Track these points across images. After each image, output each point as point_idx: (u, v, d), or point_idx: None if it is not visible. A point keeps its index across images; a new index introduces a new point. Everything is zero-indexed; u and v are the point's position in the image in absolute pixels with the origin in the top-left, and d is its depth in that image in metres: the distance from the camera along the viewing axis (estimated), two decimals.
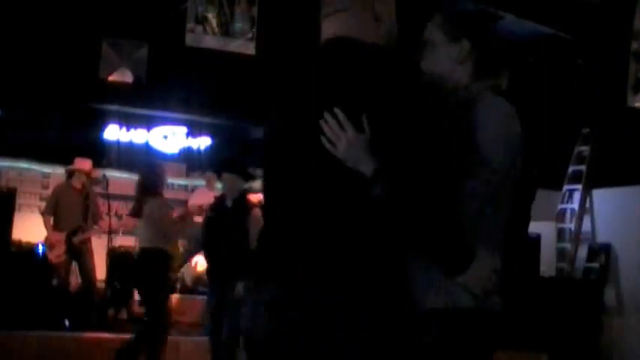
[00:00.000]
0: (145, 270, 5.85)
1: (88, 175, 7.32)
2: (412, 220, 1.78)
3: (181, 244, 9.15)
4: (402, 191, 1.76)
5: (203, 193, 9.82)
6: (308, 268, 1.90)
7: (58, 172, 9.29)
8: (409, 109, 1.81)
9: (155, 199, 5.75)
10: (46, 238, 7.17)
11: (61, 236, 7.09)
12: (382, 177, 1.77)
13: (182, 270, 8.98)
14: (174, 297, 8.39)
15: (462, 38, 2.02)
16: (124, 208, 10.35)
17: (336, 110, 1.81)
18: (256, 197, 7.60)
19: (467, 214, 1.83)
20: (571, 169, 9.22)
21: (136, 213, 5.82)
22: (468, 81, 2.03)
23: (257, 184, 7.97)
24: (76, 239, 7.11)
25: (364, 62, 1.87)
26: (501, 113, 1.95)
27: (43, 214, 7.36)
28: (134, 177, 10.64)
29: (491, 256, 1.94)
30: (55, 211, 7.21)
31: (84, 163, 7.35)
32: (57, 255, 7.05)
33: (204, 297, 8.68)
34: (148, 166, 6.04)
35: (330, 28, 2.00)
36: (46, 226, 7.17)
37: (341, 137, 1.79)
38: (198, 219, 9.61)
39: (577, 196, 9.04)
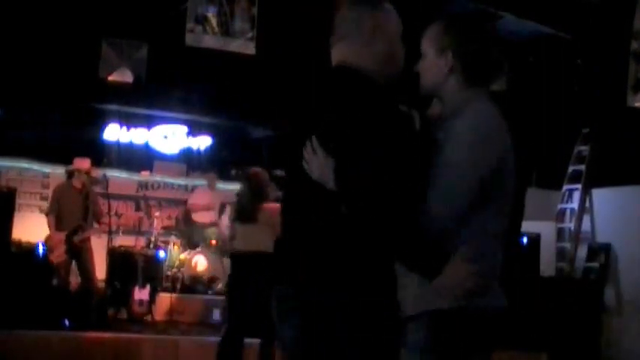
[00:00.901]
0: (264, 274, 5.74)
1: (87, 173, 7.32)
2: (377, 230, 1.93)
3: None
4: (362, 209, 1.92)
5: (204, 192, 9.82)
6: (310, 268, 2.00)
7: (58, 172, 9.29)
8: (380, 134, 1.93)
9: (267, 205, 5.69)
10: (48, 238, 7.16)
11: (61, 236, 7.09)
12: (344, 196, 1.93)
13: (182, 269, 8.99)
14: (175, 297, 8.40)
15: (447, 50, 2.12)
16: (124, 208, 10.37)
17: (312, 137, 2.01)
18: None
19: (435, 224, 1.97)
20: (571, 168, 9.22)
21: (247, 219, 5.73)
22: (459, 89, 2.13)
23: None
24: (77, 238, 7.11)
25: (348, 91, 2.04)
26: (475, 127, 2.04)
27: (47, 214, 7.34)
28: (134, 177, 10.70)
29: (471, 261, 2.02)
30: (56, 211, 7.21)
31: (83, 163, 7.35)
32: (57, 255, 7.05)
33: (204, 296, 8.72)
34: (256, 173, 6.00)
35: (334, 55, 2.19)
36: (49, 226, 7.17)
37: (313, 160, 1.99)
38: (199, 218, 9.63)
39: (577, 195, 9.04)
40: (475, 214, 2.02)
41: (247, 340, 5.67)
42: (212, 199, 9.47)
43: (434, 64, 2.14)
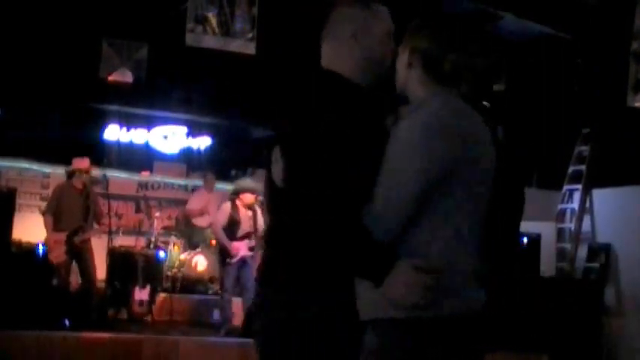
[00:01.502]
0: None
1: (87, 172, 7.32)
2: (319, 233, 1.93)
3: None
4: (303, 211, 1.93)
5: (200, 197, 9.78)
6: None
7: (58, 172, 9.29)
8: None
9: None
10: (46, 239, 7.17)
11: (60, 236, 7.08)
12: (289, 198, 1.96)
13: (182, 270, 8.99)
14: (175, 297, 8.40)
15: (408, 47, 2.10)
16: (124, 208, 10.37)
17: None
18: (248, 198, 7.57)
19: (378, 225, 1.91)
20: (571, 169, 9.22)
21: None
22: (421, 87, 2.09)
23: (246, 182, 7.94)
24: (77, 239, 7.11)
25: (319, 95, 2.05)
26: (420, 125, 1.96)
27: (43, 214, 7.35)
28: (134, 177, 10.70)
29: (421, 270, 1.91)
30: (55, 212, 7.21)
31: (82, 162, 7.35)
32: (57, 255, 7.05)
33: (204, 296, 8.72)
34: None
35: (321, 55, 2.22)
36: (46, 226, 7.17)
37: (275, 164, 2.03)
38: (197, 222, 9.63)
39: (577, 196, 9.04)
40: (427, 214, 1.94)
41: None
42: (208, 203, 9.46)
43: (400, 60, 2.13)
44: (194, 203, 9.70)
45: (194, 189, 10.86)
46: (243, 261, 7.38)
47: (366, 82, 2.16)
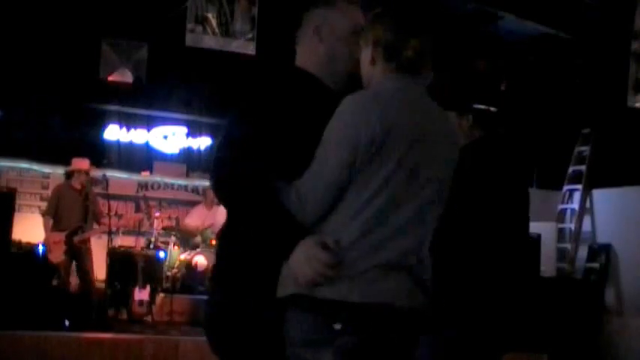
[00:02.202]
0: None
1: (86, 173, 7.32)
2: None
3: None
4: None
5: (200, 212, 9.80)
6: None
7: (58, 172, 9.28)
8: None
9: None
10: (46, 239, 7.17)
11: (60, 237, 7.09)
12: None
13: (182, 270, 8.99)
14: (175, 297, 8.40)
15: (369, 41, 2.05)
16: (124, 208, 10.37)
17: None
18: None
19: (296, 204, 1.93)
20: (571, 169, 9.22)
21: None
22: (380, 78, 2.05)
23: None
24: (77, 239, 7.11)
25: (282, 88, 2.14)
26: (345, 104, 1.95)
27: (43, 215, 7.35)
28: (134, 177, 10.70)
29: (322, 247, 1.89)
30: (55, 212, 7.21)
31: (81, 163, 7.34)
32: (56, 255, 7.05)
33: (204, 297, 8.71)
34: None
35: None
36: (45, 228, 7.17)
37: None
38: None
39: (577, 196, 9.04)
40: (350, 198, 1.91)
41: None
42: (205, 219, 9.49)
43: (363, 56, 2.08)
44: (192, 219, 9.73)
45: (194, 189, 10.86)
46: None
47: (335, 80, 2.15)
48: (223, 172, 1.99)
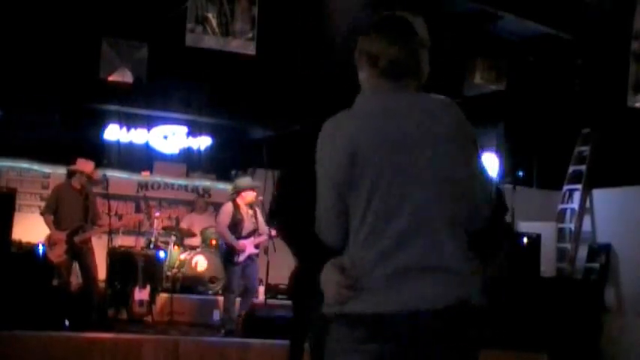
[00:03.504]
0: None
1: (89, 176, 7.31)
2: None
3: None
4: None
5: (191, 217, 9.91)
6: None
7: (58, 172, 9.29)
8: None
9: None
10: (49, 237, 7.15)
11: (61, 236, 7.08)
12: None
13: (182, 270, 8.99)
14: (175, 297, 8.39)
15: (358, 49, 2.17)
16: (124, 208, 10.37)
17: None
18: (249, 195, 7.60)
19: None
20: (571, 169, 9.22)
21: None
22: (367, 86, 2.15)
23: (246, 180, 7.96)
24: (77, 239, 7.11)
25: None
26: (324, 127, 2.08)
27: (42, 214, 7.34)
28: (134, 177, 10.70)
29: (336, 268, 2.05)
30: (55, 211, 7.20)
31: (86, 165, 7.32)
32: (58, 254, 7.05)
33: (204, 297, 8.72)
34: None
35: None
36: (48, 225, 7.16)
37: None
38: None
39: (577, 196, 9.04)
40: (350, 217, 2.04)
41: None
42: (196, 226, 9.62)
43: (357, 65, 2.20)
44: (186, 224, 9.84)
45: (194, 189, 10.87)
46: (249, 258, 7.43)
47: None
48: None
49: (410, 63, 2.09)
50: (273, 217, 2.46)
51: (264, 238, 7.49)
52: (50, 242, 7.11)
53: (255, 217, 7.51)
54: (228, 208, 7.56)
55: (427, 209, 1.98)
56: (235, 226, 7.44)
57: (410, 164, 1.98)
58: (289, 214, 2.31)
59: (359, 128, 2.02)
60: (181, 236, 9.45)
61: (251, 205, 7.53)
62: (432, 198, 1.99)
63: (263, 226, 7.45)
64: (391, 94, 2.07)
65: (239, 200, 7.52)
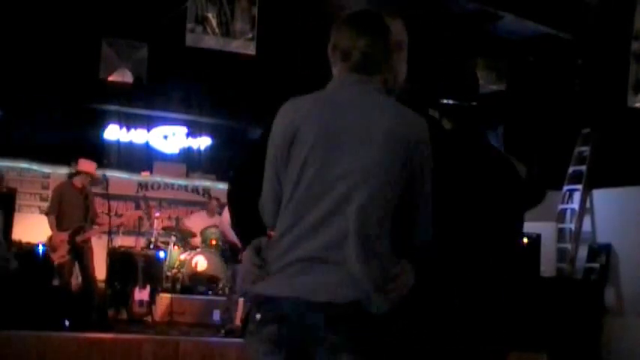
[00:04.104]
0: None
1: (92, 177, 7.30)
2: None
3: None
4: None
5: (201, 217, 9.84)
6: None
7: (58, 172, 9.30)
8: None
9: None
10: (50, 239, 7.14)
11: (64, 236, 7.08)
12: None
13: (182, 270, 8.99)
14: (175, 297, 8.39)
15: (331, 44, 2.17)
16: (124, 208, 10.37)
17: None
18: None
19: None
20: (571, 169, 9.21)
21: None
22: (336, 79, 2.14)
23: None
24: (79, 238, 7.11)
25: None
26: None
27: (47, 214, 7.31)
28: (134, 177, 10.71)
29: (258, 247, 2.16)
30: (57, 211, 7.20)
31: (89, 166, 7.32)
32: (60, 255, 7.04)
33: (204, 297, 8.72)
34: None
35: None
36: (51, 227, 7.14)
37: None
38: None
39: (577, 196, 9.03)
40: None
41: None
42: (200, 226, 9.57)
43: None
44: (193, 223, 9.79)
45: (194, 189, 10.87)
46: None
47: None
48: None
49: (377, 57, 2.08)
50: (230, 182, 2.38)
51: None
52: (52, 244, 7.10)
53: None
54: None
55: (346, 204, 1.96)
56: None
57: (339, 158, 1.98)
58: (243, 186, 2.27)
59: (304, 114, 2.05)
60: (182, 236, 9.45)
61: None
62: (356, 194, 1.96)
63: None
64: (350, 86, 2.08)
65: None
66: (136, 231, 9.39)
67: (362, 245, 1.94)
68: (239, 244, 8.09)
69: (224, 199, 9.98)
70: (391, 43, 2.12)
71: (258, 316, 1.99)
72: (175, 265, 9.02)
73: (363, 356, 1.92)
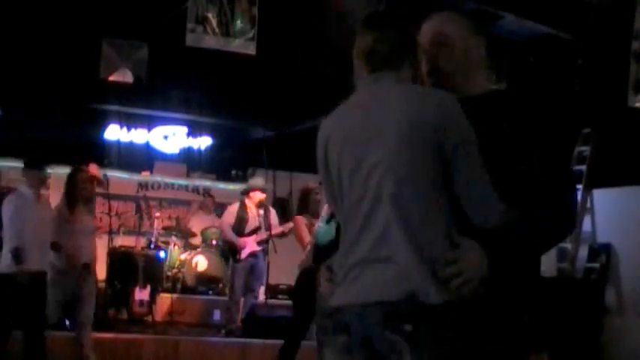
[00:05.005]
0: None
1: (99, 180, 7.29)
2: None
3: None
4: None
5: (200, 217, 9.90)
6: None
7: (58, 172, 9.28)
8: None
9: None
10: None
11: None
12: None
13: (182, 270, 8.99)
14: (175, 297, 8.40)
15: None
16: (125, 208, 10.38)
17: None
18: (257, 196, 7.65)
19: None
20: None
21: None
22: (359, 79, 2.13)
23: (257, 181, 8.02)
24: None
25: None
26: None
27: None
28: (134, 177, 10.71)
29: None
30: None
31: (97, 170, 7.31)
32: None
33: (204, 297, 8.72)
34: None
35: None
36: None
37: None
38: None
39: (577, 196, 9.03)
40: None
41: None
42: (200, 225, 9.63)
43: None
44: (194, 222, 9.85)
45: (194, 189, 10.88)
46: (253, 256, 7.45)
47: None
48: None
49: (386, 52, 2.04)
50: None
51: (264, 235, 7.51)
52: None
53: (266, 216, 7.59)
54: (233, 208, 7.74)
55: (380, 197, 1.93)
56: (239, 224, 7.53)
57: (366, 156, 1.96)
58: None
59: (332, 123, 2.09)
60: (182, 236, 9.45)
61: (261, 205, 7.66)
62: (385, 185, 1.92)
63: (275, 226, 7.54)
64: (367, 85, 2.07)
65: (248, 201, 7.63)
66: (136, 231, 9.40)
67: (405, 234, 1.88)
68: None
69: (221, 198, 10.05)
70: (414, 39, 2.11)
71: (329, 326, 2.01)
72: (176, 265, 9.03)
73: (424, 353, 1.84)
